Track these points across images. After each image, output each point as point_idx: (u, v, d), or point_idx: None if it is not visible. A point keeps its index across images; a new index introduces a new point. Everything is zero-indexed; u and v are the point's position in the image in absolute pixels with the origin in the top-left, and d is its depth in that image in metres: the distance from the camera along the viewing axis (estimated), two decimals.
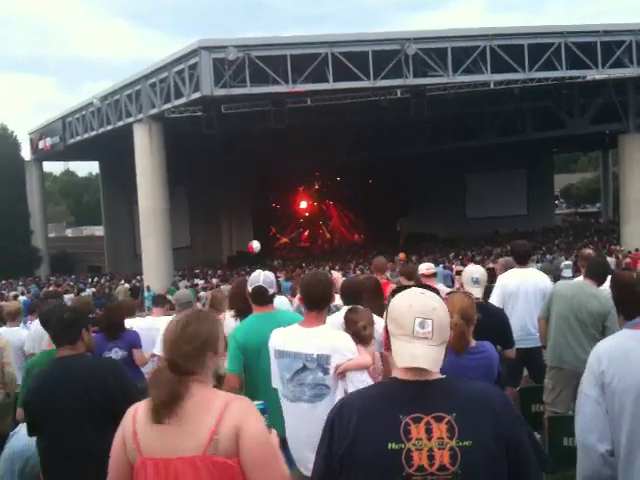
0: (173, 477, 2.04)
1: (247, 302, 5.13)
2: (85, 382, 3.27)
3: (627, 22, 26.02)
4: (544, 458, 2.03)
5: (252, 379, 3.97)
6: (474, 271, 5.27)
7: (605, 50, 24.17)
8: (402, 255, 18.64)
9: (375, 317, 4.03)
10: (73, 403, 3.21)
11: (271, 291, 4.13)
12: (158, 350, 5.48)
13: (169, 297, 9.44)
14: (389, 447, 1.83)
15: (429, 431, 1.83)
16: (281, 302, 6.76)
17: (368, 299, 4.99)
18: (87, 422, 3.23)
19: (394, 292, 2.05)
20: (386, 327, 1.99)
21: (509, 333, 4.88)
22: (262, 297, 4.10)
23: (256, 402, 2.31)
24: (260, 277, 4.11)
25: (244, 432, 2.05)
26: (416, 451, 1.82)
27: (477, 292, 4.89)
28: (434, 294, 2.01)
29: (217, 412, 2.06)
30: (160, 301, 7.12)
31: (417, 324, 1.89)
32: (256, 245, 12.87)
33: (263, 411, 2.28)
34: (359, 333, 3.74)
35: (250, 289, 4.15)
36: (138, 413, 2.14)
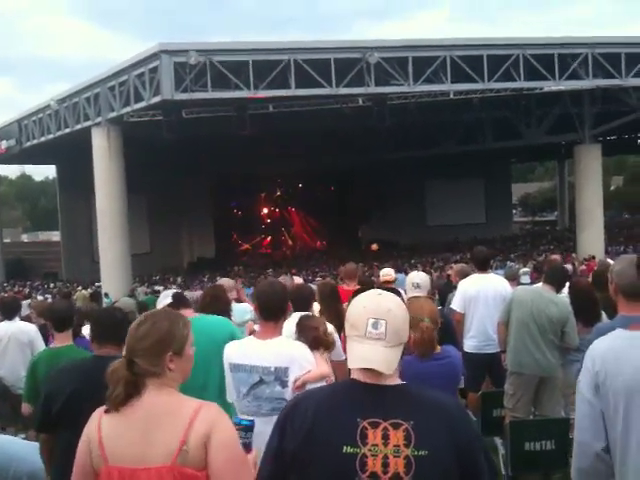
0: None
1: (221, 305, 5.00)
2: None
3: (583, 35, 26.69)
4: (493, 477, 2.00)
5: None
6: (414, 276, 5.47)
7: (562, 62, 24.70)
8: (374, 246, 18.63)
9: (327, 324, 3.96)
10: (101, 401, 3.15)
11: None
12: None
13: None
14: (344, 450, 1.78)
15: (386, 437, 1.78)
16: (244, 309, 6.67)
17: (325, 305, 4.98)
18: None
19: (354, 294, 2.03)
20: (344, 330, 1.96)
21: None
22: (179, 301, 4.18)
23: (246, 417, 2.25)
24: (168, 298, 4.18)
25: (213, 440, 1.96)
26: (371, 457, 1.77)
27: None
28: (392, 295, 1.96)
29: (186, 420, 1.96)
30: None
31: (370, 325, 1.85)
32: None
33: (251, 428, 2.18)
34: (320, 339, 3.64)
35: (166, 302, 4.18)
36: (104, 419, 2.05)
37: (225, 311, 5.11)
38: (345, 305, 5.72)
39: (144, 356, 2.04)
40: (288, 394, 3.21)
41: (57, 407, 3.19)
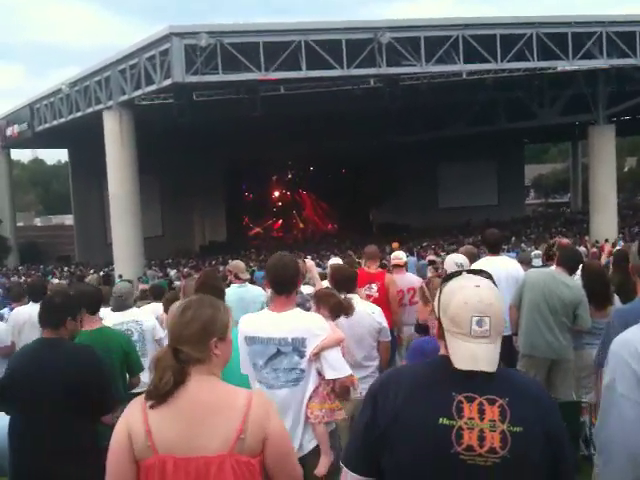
0: (194, 477, 1.96)
1: (215, 292, 5.08)
2: (64, 362, 3.31)
3: (597, 13, 26.32)
4: (575, 471, 1.97)
5: None
6: (455, 257, 5.29)
7: (576, 41, 24.40)
8: (395, 244, 18.53)
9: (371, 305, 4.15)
10: (50, 381, 3.23)
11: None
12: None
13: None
14: (440, 422, 1.77)
15: (482, 412, 1.77)
16: (255, 291, 6.67)
17: (342, 286, 5.00)
18: (62, 405, 3.21)
19: (445, 279, 1.96)
20: (439, 318, 1.90)
21: None
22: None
23: None
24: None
25: (270, 432, 2.02)
26: (467, 430, 1.76)
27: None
28: (490, 285, 1.90)
29: (241, 410, 2.00)
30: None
31: (474, 323, 1.80)
32: None
33: None
34: (342, 305, 3.78)
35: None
36: (150, 409, 2.03)
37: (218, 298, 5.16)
38: (364, 290, 5.78)
39: (190, 342, 2.04)
40: (305, 364, 3.26)
41: (3, 386, 3.37)
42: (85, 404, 3.23)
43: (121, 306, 5.61)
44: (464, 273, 1.95)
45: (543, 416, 1.81)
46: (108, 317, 5.42)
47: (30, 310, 6.03)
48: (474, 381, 1.80)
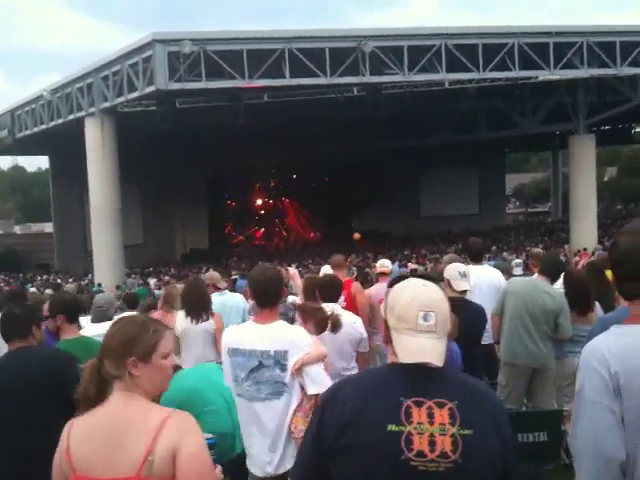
0: None
1: (200, 301, 5.08)
2: (38, 369, 3.25)
3: (578, 24, 26.65)
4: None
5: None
6: (458, 265, 5.27)
7: (557, 51, 24.67)
8: (357, 235, 18.57)
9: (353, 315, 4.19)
10: (26, 391, 3.17)
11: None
12: None
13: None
14: (388, 429, 1.75)
15: (431, 416, 1.76)
16: (236, 298, 6.68)
17: (324, 297, 4.99)
18: (39, 411, 3.15)
19: (392, 283, 1.98)
20: (385, 321, 1.91)
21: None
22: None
23: (207, 435, 2.13)
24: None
25: (182, 453, 1.91)
26: (417, 435, 1.74)
27: (466, 285, 4.96)
28: (436, 286, 1.95)
29: (153, 430, 1.92)
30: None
31: (421, 317, 1.82)
32: None
33: (212, 446, 2.13)
34: (326, 321, 3.80)
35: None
36: (74, 427, 2.03)
37: (205, 307, 5.16)
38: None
39: (108, 357, 2.04)
40: (287, 377, 3.24)
41: None
42: (60, 408, 3.12)
43: (102, 317, 5.53)
44: (410, 277, 1.99)
45: (494, 417, 1.82)
46: (87, 328, 5.33)
47: None
48: (422, 385, 1.79)
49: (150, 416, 1.97)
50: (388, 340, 1.91)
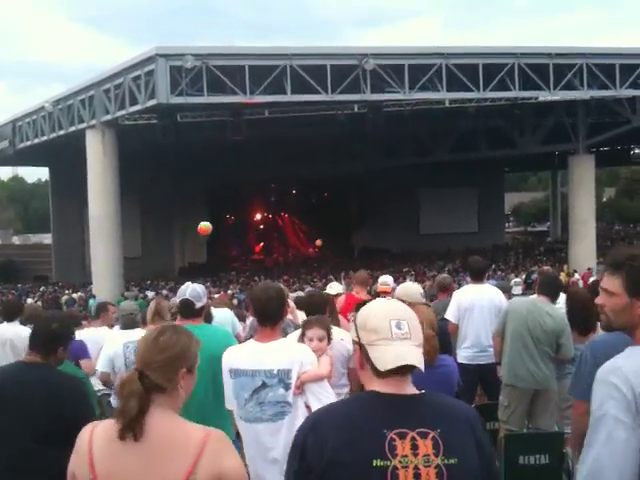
0: None
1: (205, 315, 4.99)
2: (43, 392, 3.10)
3: (578, 45, 26.85)
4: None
5: None
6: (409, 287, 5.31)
7: (557, 72, 24.82)
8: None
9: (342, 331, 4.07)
10: (25, 411, 3.04)
11: (198, 304, 4.06)
12: (100, 366, 5.30)
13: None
14: (374, 464, 1.71)
15: (415, 447, 1.73)
16: (224, 315, 6.61)
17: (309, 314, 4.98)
18: (32, 437, 3.03)
19: (358, 307, 1.99)
20: (358, 342, 1.88)
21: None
22: (188, 309, 4.05)
23: None
24: (187, 290, 4.07)
25: (225, 472, 1.91)
26: (402, 469, 1.71)
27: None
28: (397, 300, 2.00)
29: (195, 448, 1.89)
30: (102, 309, 6.86)
31: (394, 326, 1.82)
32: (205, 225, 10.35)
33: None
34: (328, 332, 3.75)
35: (177, 301, 4.13)
36: (95, 436, 1.95)
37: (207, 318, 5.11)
38: (350, 315, 5.76)
39: (159, 369, 1.96)
40: (291, 397, 3.17)
41: None
42: (61, 438, 2.95)
43: (132, 324, 5.47)
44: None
45: (476, 441, 1.80)
46: (120, 335, 5.28)
47: (3, 330, 5.89)
48: (404, 415, 1.77)
49: (190, 435, 1.94)
50: (362, 365, 1.87)
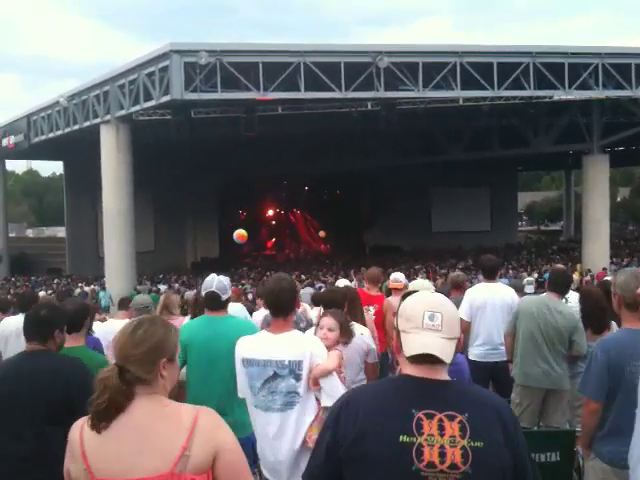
0: None
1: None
2: (48, 378, 3.19)
3: (594, 45, 26.66)
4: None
5: (199, 381, 4.03)
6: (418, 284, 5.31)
7: (572, 72, 24.65)
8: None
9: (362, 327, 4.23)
10: (33, 398, 3.12)
11: (224, 297, 4.15)
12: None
13: None
14: (400, 440, 1.81)
15: (441, 428, 1.81)
16: (236, 309, 6.68)
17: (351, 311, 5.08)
18: (44, 421, 3.10)
19: (404, 296, 2.08)
20: (397, 330, 1.99)
21: None
22: (214, 302, 4.14)
23: None
24: (214, 282, 4.15)
25: (221, 445, 1.98)
26: (427, 446, 1.80)
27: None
28: (442, 295, 2.08)
29: (187, 425, 1.95)
30: (125, 304, 6.97)
31: (427, 317, 1.91)
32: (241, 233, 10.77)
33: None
34: (349, 330, 3.91)
35: (203, 293, 4.20)
36: (85, 430, 1.99)
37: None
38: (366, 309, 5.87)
39: (138, 362, 2.00)
40: (302, 388, 3.24)
41: None
42: (65, 418, 3.14)
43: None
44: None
45: (504, 428, 1.87)
46: None
47: (17, 321, 5.96)
48: (433, 397, 1.86)
49: (181, 413, 2.00)
50: (398, 350, 1.99)
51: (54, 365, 3.30)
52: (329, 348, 3.51)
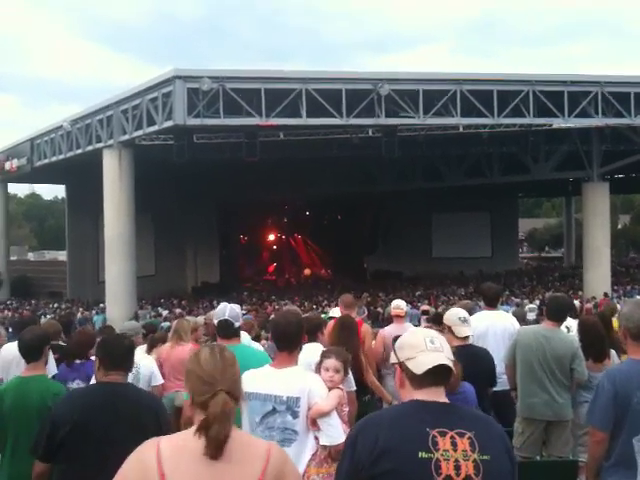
0: None
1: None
2: (138, 411, 3.18)
3: (593, 73, 26.90)
4: None
5: None
6: (458, 311, 5.26)
7: (571, 100, 24.85)
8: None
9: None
10: (125, 430, 3.05)
11: (236, 324, 4.15)
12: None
13: None
14: (419, 456, 1.99)
15: (454, 444, 2.01)
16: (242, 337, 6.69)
17: (344, 337, 5.01)
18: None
19: (394, 340, 2.29)
20: (398, 362, 2.18)
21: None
22: (227, 330, 4.13)
23: None
24: (226, 310, 4.14)
25: (287, 477, 2.05)
26: (444, 461, 1.99)
27: (467, 331, 4.95)
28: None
29: (263, 456, 2.01)
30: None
31: (428, 341, 2.15)
32: None
33: None
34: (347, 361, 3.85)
35: (216, 322, 4.19)
36: (163, 450, 1.97)
37: None
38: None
39: (236, 383, 2.07)
40: (299, 425, 3.21)
41: (62, 435, 3.11)
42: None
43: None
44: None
45: (504, 444, 2.13)
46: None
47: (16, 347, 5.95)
48: (443, 418, 2.07)
49: (257, 446, 2.06)
50: (402, 383, 2.14)
51: (139, 398, 3.30)
52: (330, 388, 3.49)
